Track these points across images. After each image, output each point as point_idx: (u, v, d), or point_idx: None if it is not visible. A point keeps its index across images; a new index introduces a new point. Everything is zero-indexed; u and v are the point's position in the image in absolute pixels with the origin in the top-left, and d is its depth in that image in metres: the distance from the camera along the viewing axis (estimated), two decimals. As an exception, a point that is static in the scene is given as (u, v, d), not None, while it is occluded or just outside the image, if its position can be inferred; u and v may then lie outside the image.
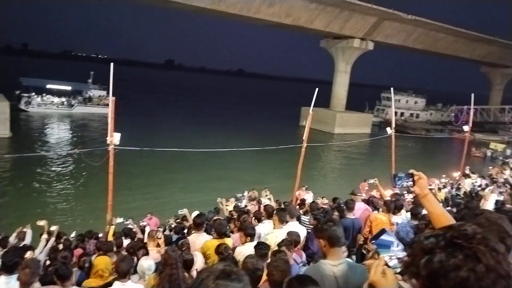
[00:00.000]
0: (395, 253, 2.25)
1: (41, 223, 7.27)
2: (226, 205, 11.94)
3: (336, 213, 6.32)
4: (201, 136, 32.80)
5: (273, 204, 11.46)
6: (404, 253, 1.01)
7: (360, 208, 6.47)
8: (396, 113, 51.26)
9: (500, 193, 8.59)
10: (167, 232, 8.81)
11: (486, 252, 0.88)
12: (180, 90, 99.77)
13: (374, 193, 10.20)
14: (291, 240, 4.20)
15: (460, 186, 13.25)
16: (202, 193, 17.90)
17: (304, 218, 6.52)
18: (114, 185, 8.90)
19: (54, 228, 7.58)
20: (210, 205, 12.25)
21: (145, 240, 6.71)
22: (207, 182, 20.43)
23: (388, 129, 13.42)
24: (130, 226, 8.49)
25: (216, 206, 11.41)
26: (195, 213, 8.74)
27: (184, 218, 9.12)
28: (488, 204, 6.31)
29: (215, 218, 8.43)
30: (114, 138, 8.54)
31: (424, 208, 2.51)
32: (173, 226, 9.58)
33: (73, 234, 9.20)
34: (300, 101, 30.96)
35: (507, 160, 20.60)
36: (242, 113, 55.93)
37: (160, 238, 6.31)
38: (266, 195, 14.05)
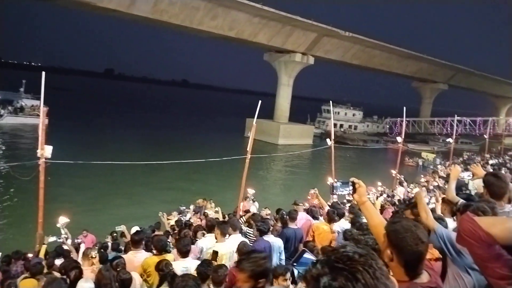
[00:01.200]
0: None
1: None
2: (168, 219, 11.59)
3: (279, 224, 6.37)
4: (143, 148, 31.73)
5: (220, 216, 11.33)
6: None
7: (302, 218, 6.58)
8: (335, 125, 53.62)
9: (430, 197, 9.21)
10: (107, 250, 8.34)
11: (363, 271, 0.93)
12: (120, 100, 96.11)
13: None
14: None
15: (394, 194, 14.03)
16: (143, 207, 17.22)
17: (249, 230, 6.50)
18: (46, 200, 8.30)
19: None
20: (152, 220, 11.83)
21: (79, 260, 6.28)
22: (149, 195, 19.70)
23: (328, 140, 13.94)
24: (63, 244, 7.93)
25: (158, 221, 11.04)
26: (134, 228, 8.38)
27: (122, 234, 8.70)
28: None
29: (156, 233, 8.15)
30: (46, 151, 7.99)
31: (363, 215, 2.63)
32: (109, 243, 9.07)
33: None
34: (245, 112, 31.24)
35: (437, 169, 22.20)
36: (187, 124, 55.13)
37: (94, 257, 5.94)
38: (211, 207, 13.86)
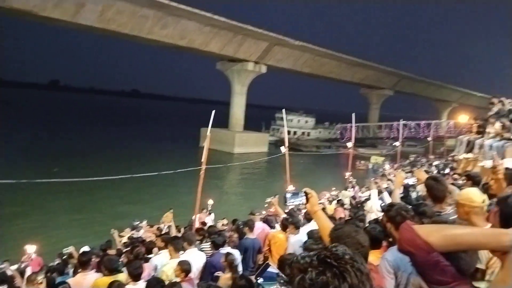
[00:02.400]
0: (280, 285, 2.35)
1: None
2: (121, 236, 11.11)
3: (235, 235, 6.29)
4: (92, 162, 30.30)
5: (173, 230, 11.01)
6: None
7: (258, 228, 6.55)
8: (289, 132, 54.52)
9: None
10: (50, 273, 7.78)
11: (351, 272, 0.95)
12: (67, 112, 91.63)
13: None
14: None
15: (339, 199, 14.35)
16: (93, 226, 16.45)
17: (204, 244, 6.35)
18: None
19: None
20: (104, 238, 11.28)
21: (24, 285, 5.83)
22: (99, 212, 18.85)
23: (282, 148, 14.08)
24: (6, 270, 7.33)
25: (109, 239, 10.55)
26: (84, 249, 7.95)
27: (71, 256, 8.20)
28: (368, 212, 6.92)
29: (107, 252, 7.75)
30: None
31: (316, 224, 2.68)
32: (56, 266, 8.51)
33: None
34: (199, 122, 30.87)
35: (386, 172, 23.16)
36: (139, 136, 53.52)
37: (41, 283, 5.55)
38: (167, 222, 13.46)
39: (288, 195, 2.51)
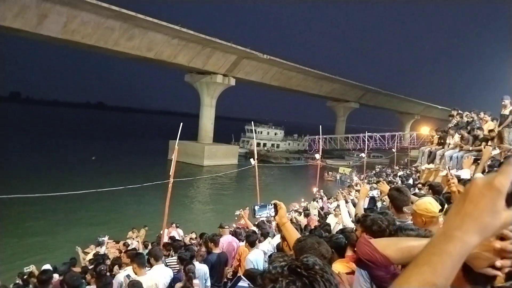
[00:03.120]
0: None
1: None
2: (86, 253, 10.72)
3: (203, 249, 6.19)
4: (53, 177, 29.08)
5: (140, 246, 10.74)
6: None
7: (226, 241, 6.49)
8: (259, 144, 54.92)
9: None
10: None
11: (321, 282, 0.96)
12: (28, 125, 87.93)
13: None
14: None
15: (307, 210, 14.52)
16: (56, 243, 15.77)
17: (170, 259, 6.21)
18: None
19: None
20: (68, 255, 10.84)
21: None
22: (63, 229, 18.05)
23: (251, 160, 14.12)
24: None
25: (74, 256, 10.14)
26: (45, 267, 7.58)
27: (31, 274, 7.80)
28: (336, 223, 7.01)
29: (72, 270, 7.39)
30: None
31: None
32: (15, 286, 8.05)
33: None
34: (168, 134, 30.47)
35: (352, 183, 23.65)
36: (105, 149, 52.00)
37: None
38: (138, 235, 13.12)
39: (257, 207, 2.54)
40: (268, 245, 6.13)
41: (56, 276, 6.59)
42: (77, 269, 8.24)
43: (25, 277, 8.59)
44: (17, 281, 8.82)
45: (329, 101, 73.28)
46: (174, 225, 13.51)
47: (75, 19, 32.15)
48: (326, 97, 70.47)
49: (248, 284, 2.96)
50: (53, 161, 38.10)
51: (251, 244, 5.56)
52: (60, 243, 15.82)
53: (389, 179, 18.41)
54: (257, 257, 5.28)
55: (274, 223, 9.51)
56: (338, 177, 37.15)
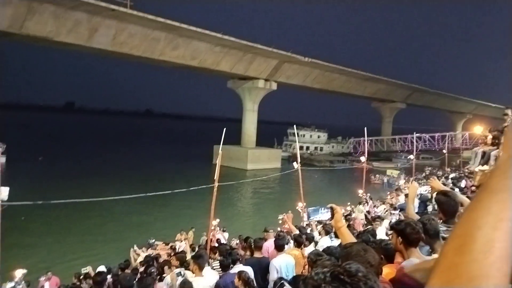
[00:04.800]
0: None
1: None
2: (137, 254, 11.16)
3: (248, 253, 6.24)
4: (108, 182, 30.65)
5: (188, 249, 11.01)
6: None
7: (271, 245, 6.49)
8: (301, 147, 54.49)
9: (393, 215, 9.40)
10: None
11: None
12: (83, 134, 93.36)
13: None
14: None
15: (349, 215, 14.13)
16: (111, 245, 16.58)
17: (216, 263, 6.31)
18: (5, 245, 7.76)
19: None
20: (122, 257, 11.35)
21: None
22: (116, 232, 18.97)
23: (294, 163, 14.06)
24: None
25: (127, 258, 10.61)
26: (100, 268, 8.01)
27: (87, 275, 8.26)
28: (380, 229, 6.83)
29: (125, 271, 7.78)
30: (2, 192, 7.54)
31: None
32: (72, 286, 8.57)
33: None
34: (212, 139, 31.10)
35: (400, 186, 22.83)
36: (153, 155, 54.05)
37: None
38: (187, 238, 13.47)
39: (310, 210, 2.60)
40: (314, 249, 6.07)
41: (109, 277, 6.96)
42: (128, 271, 8.63)
43: (81, 277, 9.13)
44: (74, 281, 9.41)
45: (374, 102, 71.41)
46: (219, 228, 13.73)
47: (123, 32, 33.82)
48: (370, 98, 68.74)
49: None
50: (105, 168, 40.15)
51: (279, 248, 5.45)
52: (114, 244, 16.61)
53: (440, 182, 17.55)
54: (281, 263, 5.11)
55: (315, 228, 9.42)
56: (385, 180, 36.06)
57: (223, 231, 14.15)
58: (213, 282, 4.91)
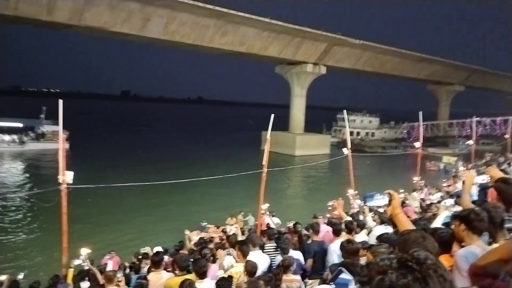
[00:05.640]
0: None
1: (3, 278, 7.01)
2: (192, 237, 11.61)
3: (295, 238, 6.29)
4: (162, 167, 32.04)
5: (239, 232, 11.27)
6: None
7: (324, 230, 6.49)
8: (352, 133, 53.17)
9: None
10: (127, 271, 8.38)
11: (434, 277, 0.92)
12: (138, 120, 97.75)
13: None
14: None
15: (407, 201, 13.62)
16: (167, 227, 17.39)
17: (269, 245, 6.41)
18: (70, 225, 8.43)
19: (3, 277, 7.09)
20: (177, 239, 11.87)
21: (102, 282, 6.33)
22: (171, 215, 19.89)
23: (344, 149, 13.76)
24: (86, 267, 8.01)
25: (181, 240, 11.06)
26: (157, 249, 8.44)
27: (145, 255, 8.75)
28: (438, 219, 6.53)
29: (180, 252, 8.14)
30: (66, 176, 8.15)
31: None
32: (132, 264, 9.13)
33: (20, 276, 8.34)
34: (260, 125, 31.29)
35: (458, 173, 21.63)
36: (204, 141, 55.56)
37: (121, 281, 6.00)
38: (237, 220, 13.82)
39: (367, 195, 2.57)
40: (366, 236, 5.98)
41: (166, 257, 7.32)
42: (184, 252, 9.02)
43: (140, 257, 9.70)
44: (134, 260, 10.02)
45: (430, 84, 67.75)
46: (268, 213, 13.88)
47: (174, 20, 34.66)
48: (425, 81, 65.29)
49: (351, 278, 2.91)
50: (159, 153, 41.93)
51: (336, 233, 5.47)
52: (167, 226, 17.41)
53: (501, 168, 16.39)
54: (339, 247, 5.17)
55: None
56: (441, 167, 34.42)
57: (272, 216, 14.29)
58: (259, 265, 4.99)
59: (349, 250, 4.09)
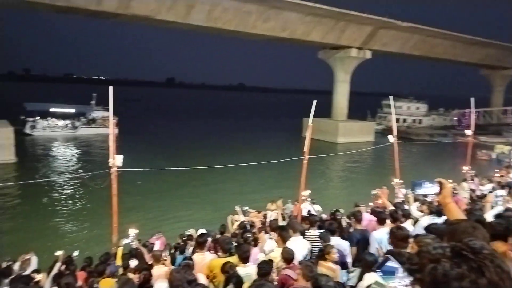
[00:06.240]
0: (400, 280, 2.29)
1: (59, 253, 7.57)
2: (236, 221, 11.83)
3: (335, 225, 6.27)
4: (206, 152, 32.87)
5: (280, 218, 11.37)
6: (410, 279, 1.03)
7: (367, 219, 6.42)
8: (398, 120, 51.27)
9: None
10: (172, 251, 8.75)
11: (491, 267, 0.89)
12: (183, 107, 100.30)
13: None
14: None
15: (456, 192, 13.02)
16: (211, 210, 17.88)
17: (310, 232, 6.43)
18: (120, 207, 8.90)
19: (59, 253, 7.62)
20: (217, 221, 12.22)
21: (149, 261, 6.65)
22: (215, 198, 20.40)
23: (390, 137, 13.34)
24: (134, 246, 8.43)
25: (223, 223, 11.32)
26: (201, 231, 8.72)
27: (189, 237, 9.07)
28: (489, 209, 6.25)
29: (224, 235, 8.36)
30: (116, 160, 8.57)
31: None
32: (177, 245, 9.50)
33: (75, 253, 8.93)
34: (302, 112, 31.03)
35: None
36: (246, 127, 56.07)
37: (166, 260, 6.28)
38: (277, 207, 13.91)
39: (416, 183, 2.51)
40: (411, 226, 5.84)
41: (209, 240, 7.57)
42: (227, 235, 9.26)
43: (184, 238, 10.06)
44: (179, 241, 10.42)
45: (483, 69, 63.60)
46: (309, 200, 13.83)
47: (217, 7, 34.82)
48: (478, 65, 61.39)
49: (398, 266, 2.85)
50: (205, 139, 42.93)
51: (380, 221, 5.39)
52: (213, 210, 17.89)
53: None
54: (383, 236, 5.13)
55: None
56: (494, 156, 32.59)
57: (313, 203, 14.22)
58: (299, 250, 5.04)
59: (399, 236, 4.01)
